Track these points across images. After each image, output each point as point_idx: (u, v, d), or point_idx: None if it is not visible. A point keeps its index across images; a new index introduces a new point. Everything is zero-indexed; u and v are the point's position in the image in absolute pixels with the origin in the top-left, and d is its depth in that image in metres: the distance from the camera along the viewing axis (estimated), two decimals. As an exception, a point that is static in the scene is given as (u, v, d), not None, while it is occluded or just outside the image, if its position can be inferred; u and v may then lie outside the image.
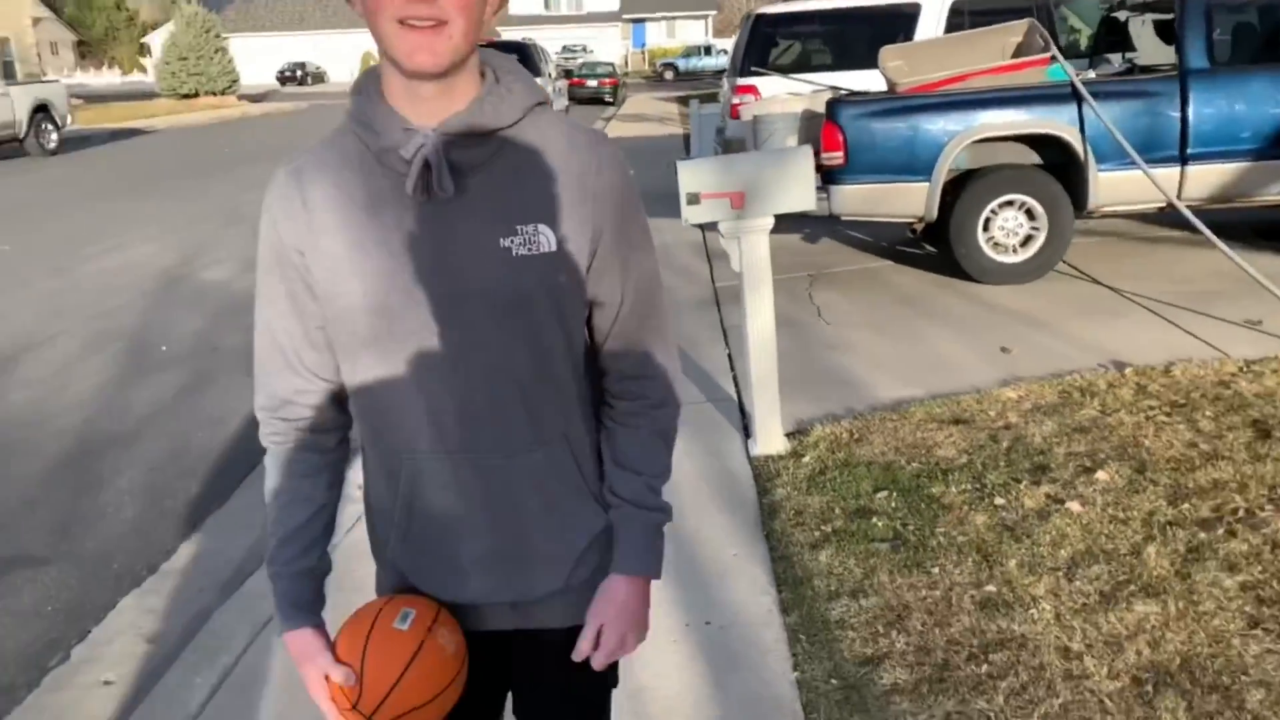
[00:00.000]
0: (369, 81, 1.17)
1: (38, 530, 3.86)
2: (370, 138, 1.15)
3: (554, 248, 1.16)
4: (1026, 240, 6.17)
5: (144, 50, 60.89)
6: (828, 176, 6.02)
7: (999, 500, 3.31)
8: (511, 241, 1.15)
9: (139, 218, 10.81)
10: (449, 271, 1.15)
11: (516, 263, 1.15)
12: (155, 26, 66.96)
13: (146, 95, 39.56)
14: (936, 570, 2.92)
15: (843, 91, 6.83)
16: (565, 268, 1.18)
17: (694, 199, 3.60)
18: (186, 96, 36.39)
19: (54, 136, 18.98)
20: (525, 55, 14.36)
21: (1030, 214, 6.12)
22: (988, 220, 6.15)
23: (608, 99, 31.30)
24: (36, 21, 39.47)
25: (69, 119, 19.75)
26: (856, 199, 6.08)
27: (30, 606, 3.33)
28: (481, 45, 1.15)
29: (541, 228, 1.15)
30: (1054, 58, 6.03)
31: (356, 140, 1.17)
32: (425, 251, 1.15)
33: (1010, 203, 6.12)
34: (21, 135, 17.98)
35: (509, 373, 1.18)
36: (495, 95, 1.15)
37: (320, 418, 1.27)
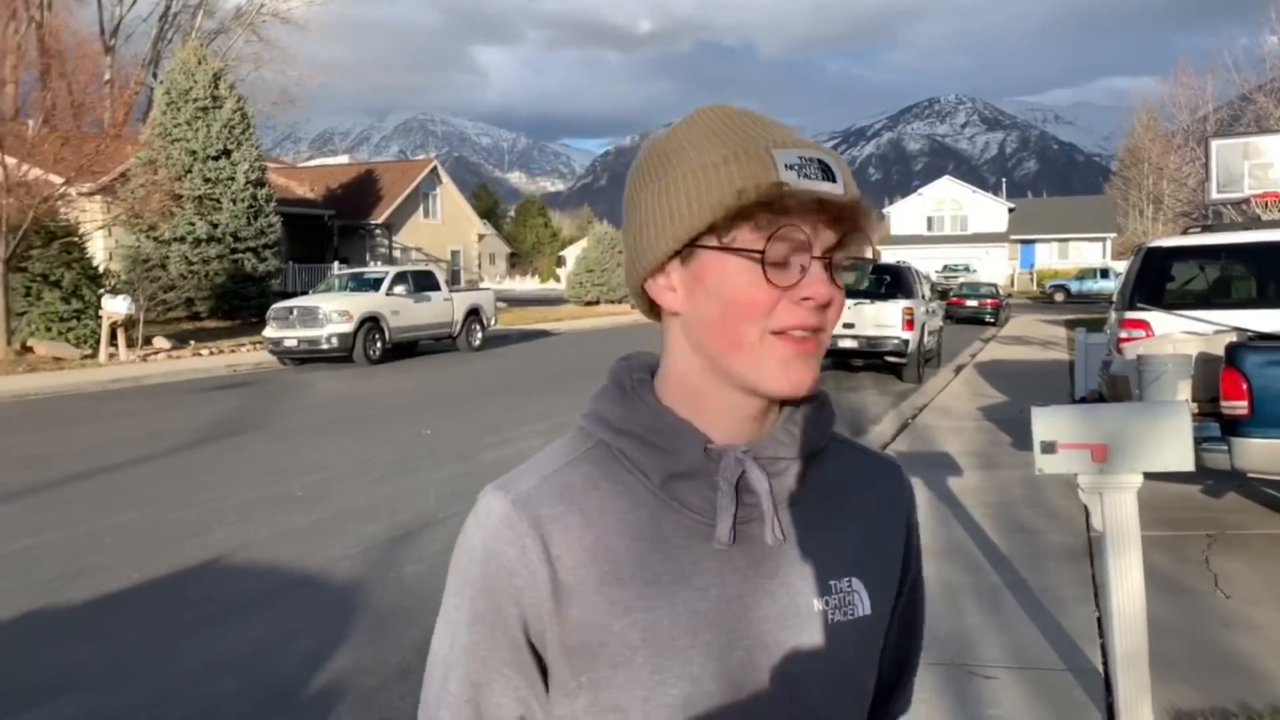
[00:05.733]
0: (639, 387, 0.85)
1: (408, 697, 4.06)
2: (654, 459, 0.82)
3: (868, 610, 0.86)
4: None
5: (560, 262, 69.29)
6: (1228, 427, 5.33)
7: None
8: (826, 603, 0.84)
9: (529, 414, 11.93)
10: (761, 648, 0.81)
11: (833, 632, 0.83)
12: (571, 242, 76.38)
13: (556, 301, 44.67)
14: None
15: (1248, 334, 6.11)
16: (877, 635, 0.89)
17: (1049, 447, 3.31)
18: (589, 304, 40.67)
19: (479, 335, 21.85)
20: (897, 276, 14.48)
21: None
22: None
23: (988, 319, 30.62)
24: (481, 237, 46.62)
25: (493, 320, 22.79)
26: (1264, 455, 5.29)
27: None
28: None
29: (855, 584, 0.86)
30: None
31: (615, 461, 0.84)
32: (733, 623, 0.81)
33: None
34: (455, 334, 21.08)
35: None
36: (814, 410, 0.86)
37: None
